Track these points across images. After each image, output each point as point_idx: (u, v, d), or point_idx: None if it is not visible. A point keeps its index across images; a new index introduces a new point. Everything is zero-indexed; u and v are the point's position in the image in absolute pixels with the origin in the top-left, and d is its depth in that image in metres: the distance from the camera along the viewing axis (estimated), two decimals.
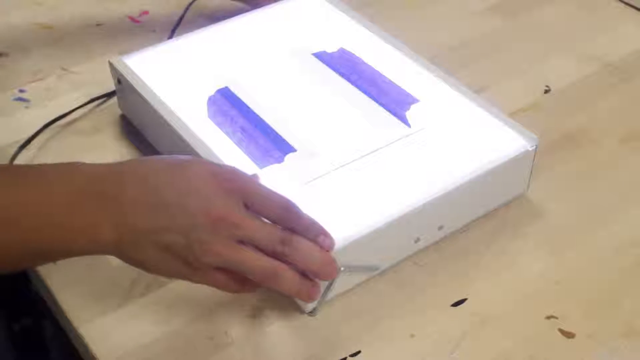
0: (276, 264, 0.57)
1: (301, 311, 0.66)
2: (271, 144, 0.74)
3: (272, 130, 0.75)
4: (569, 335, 0.66)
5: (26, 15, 1.01)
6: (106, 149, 0.82)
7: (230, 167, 0.61)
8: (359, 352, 0.64)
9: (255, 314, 0.67)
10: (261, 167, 0.72)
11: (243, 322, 0.66)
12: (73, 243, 0.58)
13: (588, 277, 0.70)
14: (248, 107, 0.78)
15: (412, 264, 0.71)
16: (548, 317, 0.67)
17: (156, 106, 0.77)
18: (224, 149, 0.73)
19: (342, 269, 0.63)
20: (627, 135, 0.84)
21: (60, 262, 0.71)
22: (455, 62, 0.93)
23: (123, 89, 0.83)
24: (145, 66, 0.82)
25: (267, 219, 0.58)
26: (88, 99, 0.86)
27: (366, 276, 0.69)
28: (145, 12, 1.02)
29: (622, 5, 1.03)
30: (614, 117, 0.87)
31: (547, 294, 0.69)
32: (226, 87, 0.80)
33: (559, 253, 0.72)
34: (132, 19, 1.01)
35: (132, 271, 0.70)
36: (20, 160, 0.80)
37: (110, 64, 0.83)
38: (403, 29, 0.98)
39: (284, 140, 0.74)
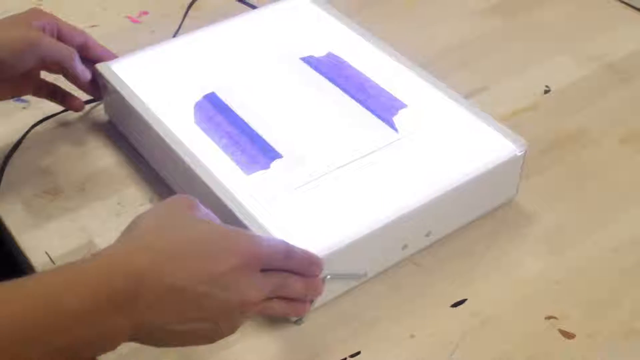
0: (267, 304, 0.59)
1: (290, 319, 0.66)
2: (257, 150, 0.73)
3: (259, 136, 0.74)
4: (569, 335, 0.65)
5: None
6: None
7: (245, 237, 0.58)
8: (358, 352, 0.64)
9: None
10: (248, 174, 0.71)
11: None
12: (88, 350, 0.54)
13: (588, 277, 0.70)
14: (235, 113, 0.77)
15: (411, 264, 0.71)
16: (548, 317, 0.67)
17: (142, 112, 0.76)
18: (210, 156, 0.72)
19: (328, 277, 0.63)
20: (627, 135, 0.84)
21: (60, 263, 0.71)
22: (455, 62, 0.93)
23: (109, 95, 0.82)
24: (132, 72, 0.81)
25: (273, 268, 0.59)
26: (87, 99, 0.86)
27: (353, 283, 0.68)
28: (145, 13, 1.02)
29: (622, 5, 1.03)
30: (614, 117, 0.87)
31: (547, 294, 0.69)
32: (213, 93, 0.79)
33: (559, 253, 0.72)
34: (132, 19, 1.01)
35: None
36: (17, 160, 0.80)
37: (97, 70, 0.81)
38: (402, 28, 0.98)
39: (270, 146, 0.73)
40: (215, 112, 0.77)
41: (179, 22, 0.98)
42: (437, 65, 0.93)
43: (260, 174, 0.71)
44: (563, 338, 0.65)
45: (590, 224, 0.75)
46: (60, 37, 0.79)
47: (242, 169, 0.71)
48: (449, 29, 0.99)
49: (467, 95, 0.88)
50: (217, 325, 0.56)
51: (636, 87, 0.91)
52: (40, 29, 0.77)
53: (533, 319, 0.67)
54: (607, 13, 1.02)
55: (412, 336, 0.65)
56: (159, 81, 0.81)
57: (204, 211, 0.59)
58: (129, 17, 1.01)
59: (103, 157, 0.81)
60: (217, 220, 0.59)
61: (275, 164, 0.72)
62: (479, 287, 0.69)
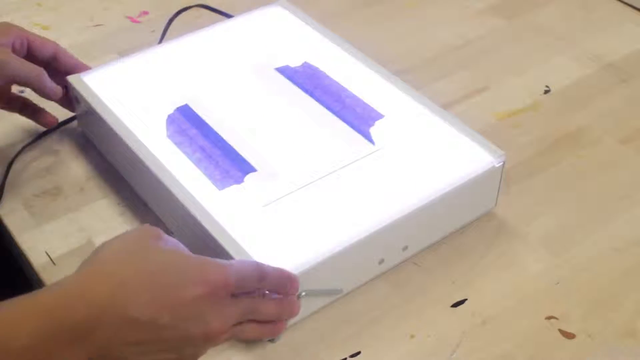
0: (238, 329, 0.58)
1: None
2: (231, 163, 0.71)
3: (232, 150, 0.73)
4: (569, 335, 0.65)
5: (26, 16, 1.01)
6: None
7: (212, 265, 0.56)
8: (358, 352, 0.64)
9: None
10: (220, 189, 0.69)
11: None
12: None
13: (588, 277, 0.70)
14: (208, 126, 0.75)
15: (412, 264, 0.71)
16: (548, 318, 0.67)
17: (113, 125, 0.74)
18: (183, 170, 0.70)
19: (303, 293, 0.62)
20: (627, 135, 0.84)
21: (61, 264, 0.71)
22: (455, 62, 0.94)
23: (81, 108, 0.80)
24: (104, 83, 0.79)
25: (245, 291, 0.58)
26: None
27: (328, 300, 0.67)
28: (145, 12, 1.02)
29: (622, 5, 1.03)
30: (614, 117, 0.87)
31: (547, 294, 0.69)
32: (186, 105, 0.77)
33: (559, 253, 0.72)
34: (132, 19, 1.01)
35: None
36: (17, 160, 0.81)
37: (68, 82, 0.80)
38: (403, 28, 0.98)
39: (244, 159, 0.72)
40: (188, 125, 0.75)
41: (177, 23, 0.98)
42: (437, 65, 0.93)
43: (233, 189, 0.69)
44: (563, 338, 0.65)
45: (590, 224, 0.75)
46: (30, 50, 0.78)
47: (214, 184, 0.70)
48: (449, 29, 0.99)
49: (467, 95, 0.89)
50: (179, 355, 0.55)
51: (636, 87, 0.91)
52: (8, 45, 0.75)
53: (533, 319, 0.67)
54: (607, 13, 1.03)
55: (412, 336, 0.65)
56: (130, 93, 0.79)
57: (171, 241, 0.57)
58: (129, 17, 1.01)
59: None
60: (186, 250, 0.57)
61: (249, 178, 0.70)
62: (479, 287, 0.69)
